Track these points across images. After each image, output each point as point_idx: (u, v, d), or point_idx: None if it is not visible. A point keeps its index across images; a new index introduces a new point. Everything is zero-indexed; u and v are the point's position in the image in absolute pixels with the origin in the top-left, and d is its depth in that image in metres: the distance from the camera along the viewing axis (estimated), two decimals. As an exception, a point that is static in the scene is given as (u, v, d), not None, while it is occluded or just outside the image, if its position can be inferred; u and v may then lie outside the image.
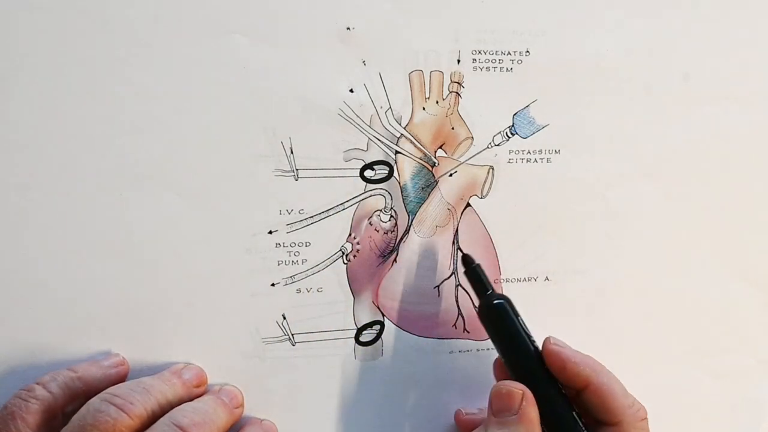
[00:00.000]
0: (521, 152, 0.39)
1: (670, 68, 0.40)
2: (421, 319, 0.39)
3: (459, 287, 0.40)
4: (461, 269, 0.38)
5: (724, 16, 0.40)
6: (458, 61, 0.37)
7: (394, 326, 0.39)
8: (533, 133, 0.39)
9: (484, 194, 0.39)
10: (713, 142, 0.41)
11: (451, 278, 0.39)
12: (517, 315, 0.35)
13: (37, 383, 0.32)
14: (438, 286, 0.39)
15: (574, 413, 0.33)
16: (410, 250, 0.39)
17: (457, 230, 0.39)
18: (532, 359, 0.34)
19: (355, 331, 0.39)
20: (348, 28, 0.36)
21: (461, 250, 0.39)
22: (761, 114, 0.42)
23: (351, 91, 0.36)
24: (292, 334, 0.38)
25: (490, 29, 0.37)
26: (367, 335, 0.39)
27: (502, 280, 0.40)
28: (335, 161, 0.37)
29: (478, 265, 0.37)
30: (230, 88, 0.35)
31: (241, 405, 0.36)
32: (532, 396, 0.33)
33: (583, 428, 0.33)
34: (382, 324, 0.39)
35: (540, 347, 0.35)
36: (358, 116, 0.37)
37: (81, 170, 0.33)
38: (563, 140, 0.39)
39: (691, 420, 0.44)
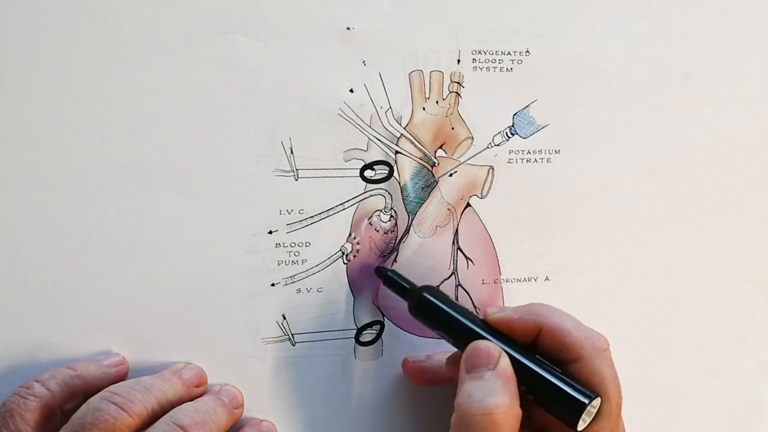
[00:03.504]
0: (521, 152, 0.39)
1: (670, 68, 0.40)
2: (421, 319, 0.39)
3: (459, 287, 0.40)
4: (461, 266, 0.38)
5: (724, 16, 0.40)
6: (458, 61, 0.37)
7: (394, 326, 0.39)
8: (533, 133, 0.39)
9: (484, 194, 0.39)
10: (713, 142, 0.41)
11: (451, 278, 0.39)
12: (445, 297, 0.35)
13: (36, 381, 0.32)
14: (438, 286, 0.39)
15: (534, 358, 0.32)
16: (410, 250, 0.39)
17: (457, 230, 0.39)
18: (479, 331, 0.34)
19: (355, 331, 0.39)
20: (348, 28, 0.36)
21: (461, 250, 0.39)
22: (761, 114, 0.42)
23: (351, 91, 0.36)
24: (292, 334, 0.38)
25: (490, 29, 0.37)
26: (367, 335, 0.39)
27: (502, 280, 0.40)
28: (335, 161, 0.37)
29: (392, 271, 0.37)
30: (230, 88, 0.35)
31: (241, 405, 0.36)
32: (508, 358, 0.32)
33: (550, 368, 0.32)
34: (382, 324, 0.39)
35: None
36: (358, 116, 0.37)
37: (81, 170, 0.33)
38: (563, 140, 0.39)
39: (691, 420, 0.44)
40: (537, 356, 0.33)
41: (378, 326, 0.39)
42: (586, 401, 0.30)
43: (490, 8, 0.37)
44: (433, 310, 0.35)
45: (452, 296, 0.40)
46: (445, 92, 0.38)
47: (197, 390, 0.35)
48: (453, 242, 0.39)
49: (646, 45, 0.39)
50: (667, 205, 0.41)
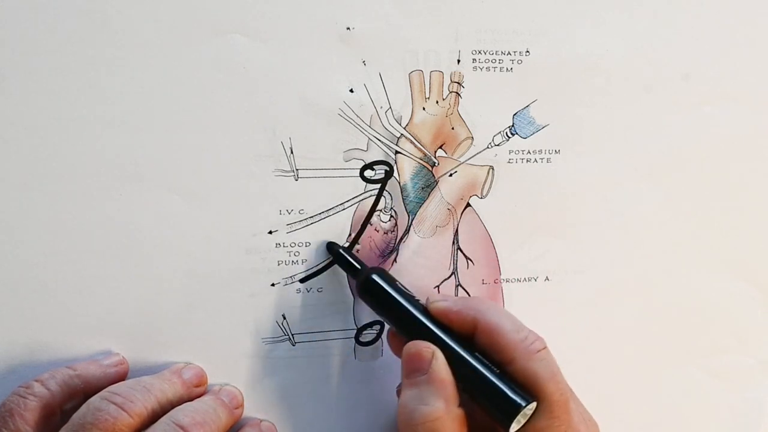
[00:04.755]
0: (521, 152, 0.39)
1: (670, 68, 0.40)
2: (421, 319, 0.39)
3: (459, 287, 0.40)
4: (462, 266, 0.38)
5: (724, 16, 0.40)
6: (458, 61, 0.37)
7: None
8: (533, 133, 0.39)
9: (484, 194, 0.39)
10: (713, 142, 0.41)
11: (451, 278, 0.39)
12: (393, 281, 0.35)
13: (36, 381, 0.32)
14: (438, 286, 0.39)
15: (472, 356, 0.32)
16: (410, 250, 0.39)
17: (457, 230, 0.39)
18: (419, 320, 0.34)
19: (355, 331, 0.39)
20: (348, 28, 0.36)
21: (461, 250, 0.39)
22: (761, 114, 0.42)
23: (351, 91, 0.36)
24: (292, 334, 0.38)
25: (490, 29, 0.37)
26: (367, 335, 0.39)
27: (502, 280, 0.40)
28: (335, 161, 0.37)
29: (344, 248, 0.37)
30: (230, 88, 0.35)
31: (241, 405, 0.36)
32: (442, 355, 0.32)
33: (488, 369, 0.32)
34: (382, 324, 0.39)
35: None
36: (358, 116, 0.37)
37: (80, 170, 0.33)
38: (563, 140, 0.39)
39: (691, 420, 0.44)
40: (476, 353, 0.33)
41: (378, 326, 0.39)
42: (522, 404, 0.30)
43: (490, 8, 0.37)
44: (379, 293, 0.35)
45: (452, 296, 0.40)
46: (445, 92, 0.38)
47: (197, 390, 0.35)
48: (453, 242, 0.39)
49: (646, 45, 0.39)
50: (667, 205, 0.41)
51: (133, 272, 0.35)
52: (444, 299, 0.34)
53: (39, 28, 0.32)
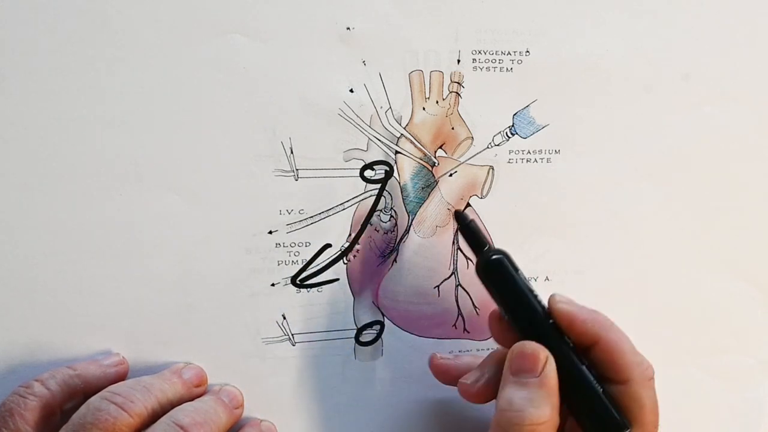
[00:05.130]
0: (521, 152, 0.39)
1: (670, 68, 0.40)
2: (421, 319, 0.39)
3: (459, 287, 0.40)
4: (462, 266, 0.38)
5: (724, 16, 0.40)
6: (458, 61, 0.37)
7: (394, 326, 0.39)
8: (533, 133, 0.39)
9: (484, 194, 0.39)
10: (713, 142, 0.41)
11: (451, 278, 0.39)
12: (517, 270, 0.34)
13: (36, 380, 0.32)
14: (438, 286, 0.39)
15: (585, 368, 0.32)
16: (410, 250, 0.39)
17: (457, 230, 0.39)
18: (538, 316, 0.33)
19: (355, 331, 0.39)
20: (348, 28, 0.36)
21: (461, 250, 0.39)
22: (761, 114, 0.42)
23: (351, 91, 0.36)
24: (292, 334, 0.38)
25: (490, 29, 0.37)
26: (367, 335, 0.39)
27: (502, 280, 0.40)
28: (335, 161, 0.37)
29: (472, 221, 0.35)
30: (230, 88, 0.35)
31: (241, 405, 0.36)
32: (554, 363, 0.31)
33: (597, 385, 0.32)
34: (382, 324, 0.39)
35: (545, 303, 0.33)
36: (358, 116, 0.37)
37: (80, 170, 0.33)
38: (563, 140, 0.39)
39: (691, 420, 0.44)
40: (586, 365, 0.32)
41: (378, 326, 0.39)
42: (626, 427, 0.30)
43: (490, 8, 0.37)
44: (502, 277, 0.33)
45: (452, 296, 0.40)
46: (445, 92, 0.38)
47: (197, 390, 0.35)
48: (453, 242, 0.39)
49: (646, 45, 0.39)
50: (667, 205, 0.41)
51: (133, 272, 0.35)
52: (569, 302, 0.33)
53: (39, 28, 0.32)
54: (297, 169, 0.36)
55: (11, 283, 0.33)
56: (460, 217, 0.36)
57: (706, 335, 0.43)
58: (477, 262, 0.34)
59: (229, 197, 0.35)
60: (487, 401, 0.35)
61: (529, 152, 0.39)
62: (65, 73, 0.33)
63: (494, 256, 0.34)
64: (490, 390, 0.34)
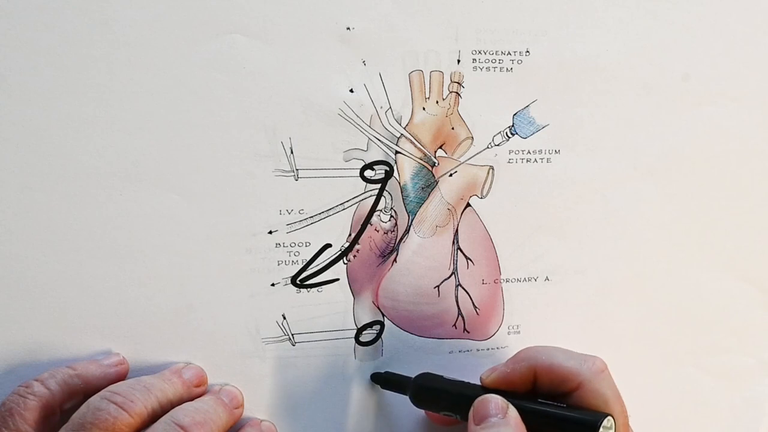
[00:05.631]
0: (521, 152, 0.39)
1: (670, 68, 0.40)
2: (421, 319, 0.39)
3: (459, 287, 0.40)
4: (462, 266, 0.38)
5: (724, 16, 0.40)
6: (458, 61, 0.37)
7: (394, 326, 0.39)
8: (533, 133, 0.39)
9: (484, 194, 0.39)
10: (713, 142, 0.41)
11: (451, 278, 0.39)
12: (439, 378, 0.36)
13: (36, 380, 0.32)
14: (438, 286, 0.39)
15: (539, 401, 0.33)
16: (410, 250, 0.39)
17: (457, 230, 0.39)
18: (480, 392, 0.34)
19: (355, 331, 0.39)
20: (348, 28, 0.36)
21: (461, 250, 0.39)
22: (761, 114, 0.42)
23: (351, 91, 0.36)
24: (292, 334, 0.38)
25: (490, 29, 0.37)
26: (367, 335, 0.39)
27: (502, 280, 0.40)
28: (335, 161, 0.37)
29: (387, 372, 0.38)
30: (230, 88, 0.35)
31: (241, 405, 0.36)
32: (515, 409, 0.32)
33: (557, 406, 0.32)
34: (382, 324, 0.39)
35: (477, 382, 0.35)
36: (358, 116, 0.37)
37: (80, 170, 0.33)
38: (563, 140, 0.39)
39: (691, 420, 0.44)
40: (540, 400, 0.33)
41: (378, 326, 0.39)
42: (597, 420, 0.31)
43: (490, 8, 0.37)
44: (432, 393, 0.36)
45: (452, 296, 0.40)
46: (445, 92, 0.38)
47: (197, 390, 0.35)
48: (453, 242, 0.39)
49: (646, 45, 0.39)
50: (667, 205, 0.41)
51: (133, 272, 0.35)
52: (493, 370, 0.35)
53: (39, 28, 0.32)
54: (297, 169, 0.36)
55: (11, 283, 0.33)
56: (375, 379, 0.39)
57: (706, 335, 0.43)
58: (410, 398, 0.36)
59: (229, 197, 0.35)
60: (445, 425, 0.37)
61: (529, 152, 0.39)
62: (65, 73, 0.33)
63: (414, 384, 0.36)
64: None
